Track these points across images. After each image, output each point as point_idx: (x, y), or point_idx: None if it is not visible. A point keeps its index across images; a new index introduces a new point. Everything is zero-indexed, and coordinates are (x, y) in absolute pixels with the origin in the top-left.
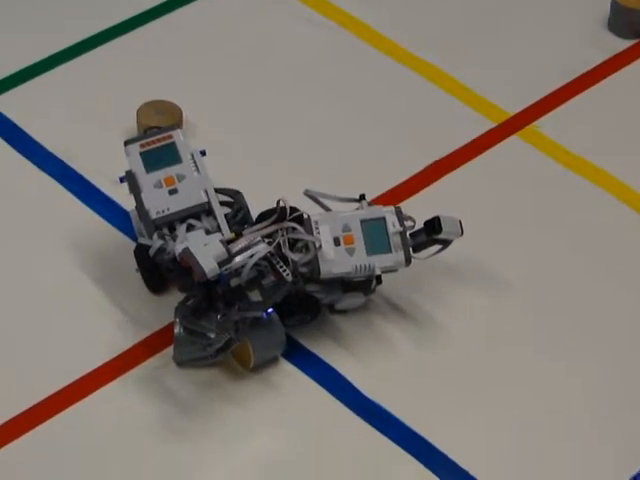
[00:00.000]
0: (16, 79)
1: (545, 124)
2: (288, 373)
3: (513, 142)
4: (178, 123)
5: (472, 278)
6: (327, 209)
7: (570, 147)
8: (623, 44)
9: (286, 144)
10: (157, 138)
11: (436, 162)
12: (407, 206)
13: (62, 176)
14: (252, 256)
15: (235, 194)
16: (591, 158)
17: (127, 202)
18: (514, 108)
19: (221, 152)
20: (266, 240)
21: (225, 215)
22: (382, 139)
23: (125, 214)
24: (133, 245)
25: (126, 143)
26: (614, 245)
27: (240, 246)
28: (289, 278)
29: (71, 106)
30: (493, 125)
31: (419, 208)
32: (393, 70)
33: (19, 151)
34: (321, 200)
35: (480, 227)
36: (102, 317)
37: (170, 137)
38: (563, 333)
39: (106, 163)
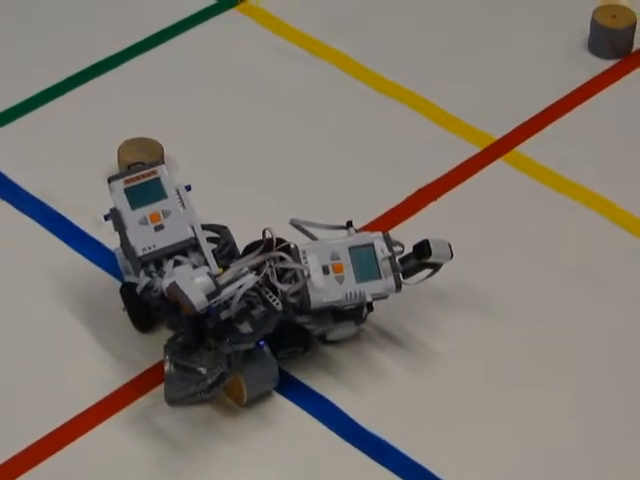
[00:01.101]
0: None
1: (530, 147)
2: (282, 407)
3: (498, 166)
4: (160, 159)
5: (464, 303)
6: (314, 238)
7: (557, 169)
8: (604, 64)
9: (269, 176)
10: (141, 174)
11: (421, 189)
12: (394, 234)
13: (43, 217)
14: (240, 287)
15: (221, 229)
16: (579, 179)
17: (111, 242)
18: (498, 132)
19: (204, 186)
20: (254, 271)
21: (212, 250)
22: (366, 168)
23: (109, 254)
24: (118, 285)
25: (110, 180)
26: (607, 266)
27: (228, 278)
28: (279, 307)
29: (49, 147)
30: (478, 150)
31: (406, 235)
32: (374, 99)
33: None
34: (307, 229)
35: (469, 252)
36: (90, 358)
37: (155, 172)
38: (559, 356)
39: (88, 202)
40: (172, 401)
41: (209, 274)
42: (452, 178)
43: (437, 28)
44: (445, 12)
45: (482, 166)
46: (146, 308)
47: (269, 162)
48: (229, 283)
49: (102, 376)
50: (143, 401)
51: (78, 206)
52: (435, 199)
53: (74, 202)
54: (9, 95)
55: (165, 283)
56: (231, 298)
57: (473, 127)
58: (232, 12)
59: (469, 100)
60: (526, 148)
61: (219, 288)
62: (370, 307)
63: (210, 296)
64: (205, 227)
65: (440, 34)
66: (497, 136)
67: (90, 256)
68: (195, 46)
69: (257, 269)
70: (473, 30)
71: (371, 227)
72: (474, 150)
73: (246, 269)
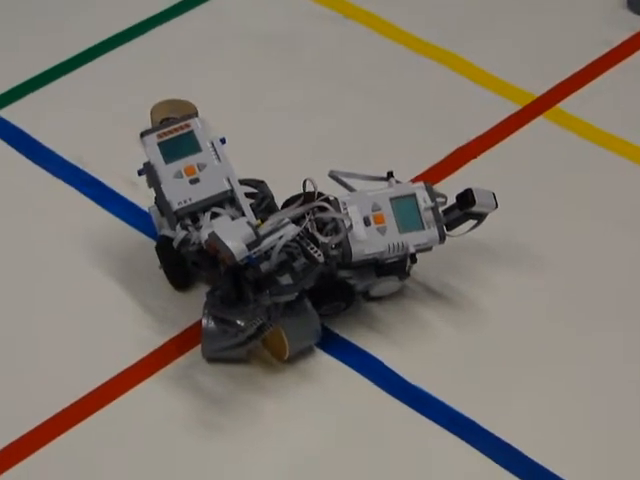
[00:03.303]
0: (25, 88)
1: (571, 104)
2: (324, 362)
3: (540, 123)
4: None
5: (508, 257)
6: (352, 191)
7: (598, 124)
8: None
9: (306, 135)
10: (174, 127)
11: (462, 147)
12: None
13: (77, 181)
14: (281, 237)
15: (258, 184)
16: (620, 134)
17: (145, 203)
18: (539, 90)
19: (240, 146)
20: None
21: (250, 205)
22: (405, 127)
23: (144, 214)
24: (154, 245)
25: (142, 134)
26: None
27: (268, 228)
28: (321, 259)
29: (81, 112)
30: (518, 107)
31: (447, 192)
32: (413, 61)
33: (32, 159)
34: (346, 182)
35: (512, 207)
36: (129, 317)
37: (188, 126)
38: (605, 306)
39: (121, 165)
40: (210, 356)
41: (249, 223)
42: (493, 135)
43: None
44: None
45: (523, 123)
46: (183, 264)
47: (306, 122)
48: (269, 233)
49: (142, 335)
50: (183, 359)
51: (111, 169)
52: (475, 156)
53: (107, 165)
54: (40, 61)
55: (204, 234)
56: (271, 249)
57: (513, 85)
58: None
59: (509, 59)
60: (567, 105)
61: (259, 238)
62: (414, 259)
63: (250, 246)
64: (242, 182)
65: None
66: (537, 94)
67: (125, 217)
68: (223, 12)
69: (297, 221)
70: None
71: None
72: (515, 108)
73: (287, 220)
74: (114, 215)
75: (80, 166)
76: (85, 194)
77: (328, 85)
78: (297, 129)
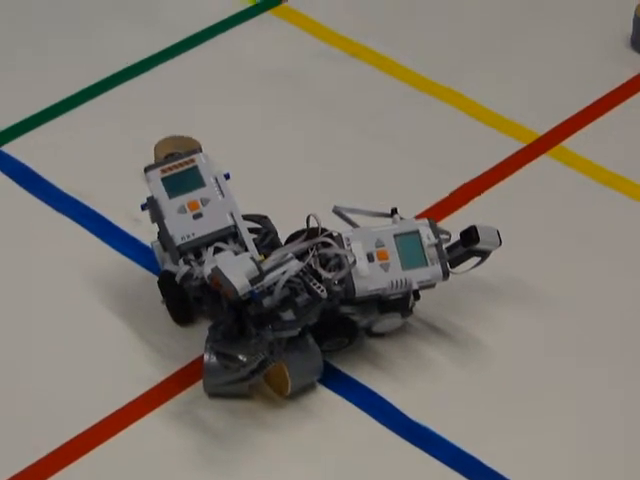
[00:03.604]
0: (28, 124)
1: (575, 142)
2: (326, 399)
3: (544, 161)
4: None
5: (511, 296)
6: (356, 227)
7: (601, 163)
8: None
9: (309, 173)
10: (179, 163)
11: (466, 184)
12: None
13: (80, 216)
14: (284, 273)
15: (262, 219)
16: (624, 172)
17: (148, 239)
18: (542, 128)
19: (243, 181)
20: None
21: (253, 240)
22: (409, 165)
23: (147, 250)
24: (156, 280)
25: (147, 169)
26: None
27: (271, 264)
28: (324, 295)
29: (85, 147)
30: (522, 145)
31: (451, 229)
32: (417, 99)
33: (34, 194)
34: (350, 218)
35: (516, 244)
36: (130, 353)
37: (192, 161)
38: (609, 348)
39: (124, 201)
40: (211, 391)
41: (252, 259)
42: (497, 173)
43: (473, 27)
44: (481, 10)
45: (527, 161)
46: (185, 299)
47: (309, 159)
48: (273, 269)
49: (143, 370)
50: (185, 395)
51: (115, 204)
52: (479, 194)
53: (110, 201)
54: (44, 97)
55: (206, 269)
56: (274, 284)
57: (517, 123)
58: (266, 15)
59: (513, 97)
60: (571, 143)
61: (262, 273)
62: (417, 296)
63: (253, 281)
64: (245, 217)
65: (477, 33)
66: (541, 132)
67: (128, 253)
68: (229, 49)
69: (301, 257)
70: (512, 28)
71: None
72: (519, 146)
73: (290, 255)
74: (116, 250)
75: (82, 201)
76: (87, 229)
77: (332, 122)
78: (301, 165)
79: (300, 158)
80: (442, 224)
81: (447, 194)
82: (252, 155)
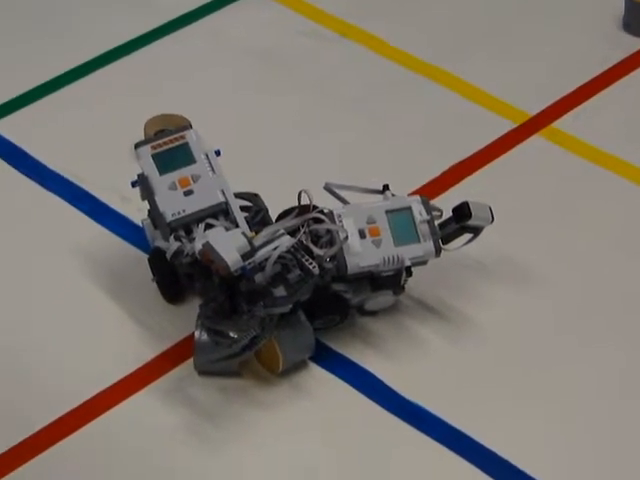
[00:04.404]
0: (18, 102)
1: (567, 122)
2: (318, 377)
3: (536, 141)
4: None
5: (503, 274)
6: (347, 203)
7: (593, 142)
8: (638, 43)
9: (301, 152)
10: (169, 139)
11: (458, 163)
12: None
13: (70, 196)
14: (276, 248)
15: (252, 197)
16: (616, 151)
17: (138, 217)
18: (535, 108)
19: (234, 159)
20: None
21: (244, 217)
22: (401, 144)
23: (137, 229)
24: (146, 258)
25: (137, 146)
26: None
27: (263, 240)
28: (315, 271)
29: (74, 126)
30: (515, 125)
31: (443, 208)
32: (410, 79)
33: (25, 174)
34: (341, 195)
35: (507, 223)
36: (122, 331)
37: (183, 137)
38: (600, 325)
39: (114, 179)
40: (202, 369)
41: (244, 234)
42: (489, 153)
43: (465, 8)
44: None
45: (520, 141)
46: (175, 276)
47: (301, 137)
48: (264, 244)
49: (134, 348)
50: (176, 372)
51: (104, 183)
52: (471, 173)
53: (100, 179)
54: (34, 75)
55: (197, 245)
56: (266, 260)
57: (509, 103)
58: None
59: (504, 77)
60: (563, 123)
61: (254, 248)
62: (409, 272)
63: (245, 256)
64: (236, 195)
65: (469, 14)
66: (533, 112)
67: (118, 231)
68: (219, 29)
69: (292, 233)
70: (503, 10)
71: None
72: (511, 125)
73: (282, 231)
74: (107, 229)
75: (73, 180)
76: (78, 208)
77: (324, 101)
78: (292, 144)
79: (291, 137)
80: (434, 203)
81: (439, 173)
82: (242, 134)
